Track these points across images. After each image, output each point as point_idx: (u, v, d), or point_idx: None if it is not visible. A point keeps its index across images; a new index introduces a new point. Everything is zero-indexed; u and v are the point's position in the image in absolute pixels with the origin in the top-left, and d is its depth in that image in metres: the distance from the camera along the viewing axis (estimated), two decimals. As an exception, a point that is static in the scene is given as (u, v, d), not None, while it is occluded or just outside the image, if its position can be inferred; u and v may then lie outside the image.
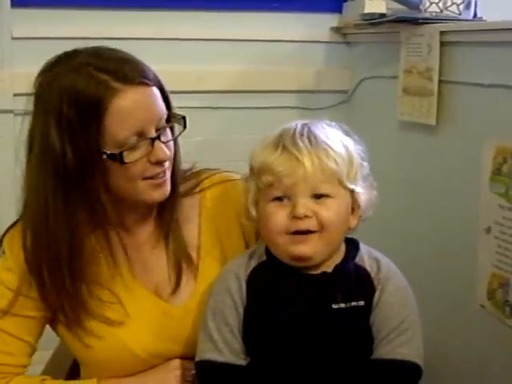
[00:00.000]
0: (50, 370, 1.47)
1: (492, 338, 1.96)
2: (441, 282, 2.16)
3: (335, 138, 1.21)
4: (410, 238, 2.34)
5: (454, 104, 2.12)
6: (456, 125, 2.11)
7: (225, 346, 1.20)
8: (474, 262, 1.98)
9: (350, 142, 1.23)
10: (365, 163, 1.24)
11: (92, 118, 1.19)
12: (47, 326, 1.35)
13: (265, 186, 1.20)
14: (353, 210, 1.22)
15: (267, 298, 1.21)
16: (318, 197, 1.18)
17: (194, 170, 1.42)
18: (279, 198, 1.19)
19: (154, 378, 1.31)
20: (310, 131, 1.20)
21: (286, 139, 1.19)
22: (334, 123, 1.26)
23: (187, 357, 1.31)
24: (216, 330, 1.21)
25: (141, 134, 1.22)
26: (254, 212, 1.24)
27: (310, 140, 1.19)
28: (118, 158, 1.20)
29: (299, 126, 1.22)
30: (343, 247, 1.25)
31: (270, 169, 1.19)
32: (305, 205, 1.17)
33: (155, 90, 1.25)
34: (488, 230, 1.92)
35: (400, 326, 1.19)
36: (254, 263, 1.25)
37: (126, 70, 1.21)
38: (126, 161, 1.21)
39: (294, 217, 1.17)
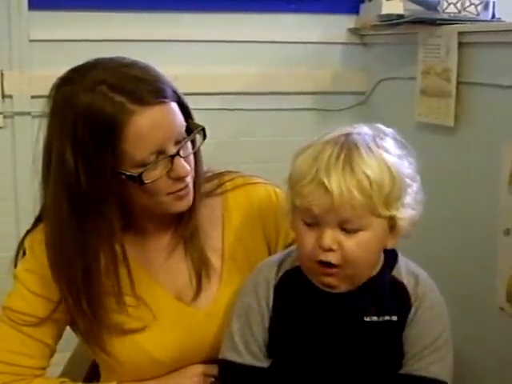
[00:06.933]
0: (68, 372, 1.47)
1: (512, 341, 1.95)
2: (460, 284, 2.15)
3: (375, 163, 1.10)
4: (428, 240, 2.31)
5: (472, 105, 2.10)
6: (474, 126, 2.10)
7: (244, 348, 1.20)
8: (493, 265, 1.96)
9: (396, 162, 1.13)
10: (409, 181, 1.16)
11: (108, 141, 1.17)
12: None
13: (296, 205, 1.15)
14: (392, 228, 1.15)
15: (296, 305, 1.19)
16: (347, 230, 1.11)
17: (216, 172, 1.40)
18: (309, 224, 1.14)
19: (172, 382, 1.31)
20: (347, 153, 1.10)
21: (321, 161, 1.10)
22: (383, 131, 1.17)
23: (208, 361, 1.30)
24: (238, 331, 1.21)
25: (160, 152, 1.20)
26: (289, 218, 1.18)
27: (344, 167, 1.09)
28: (138, 180, 1.19)
29: (338, 147, 1.11)
30: (381, 257, 1.21)
31: (301, 194, 1.12)
32: (331, 236, 1.11)
33: (173, 106, 1.21)
34: (507, 232, 1.91)
35: (434, 344, 1.17)
36: (285, 267, 1.23)
37: (142, 91, 1.18)
38: (145, 181, 1.19)
39: (320, 246, 1.12)
